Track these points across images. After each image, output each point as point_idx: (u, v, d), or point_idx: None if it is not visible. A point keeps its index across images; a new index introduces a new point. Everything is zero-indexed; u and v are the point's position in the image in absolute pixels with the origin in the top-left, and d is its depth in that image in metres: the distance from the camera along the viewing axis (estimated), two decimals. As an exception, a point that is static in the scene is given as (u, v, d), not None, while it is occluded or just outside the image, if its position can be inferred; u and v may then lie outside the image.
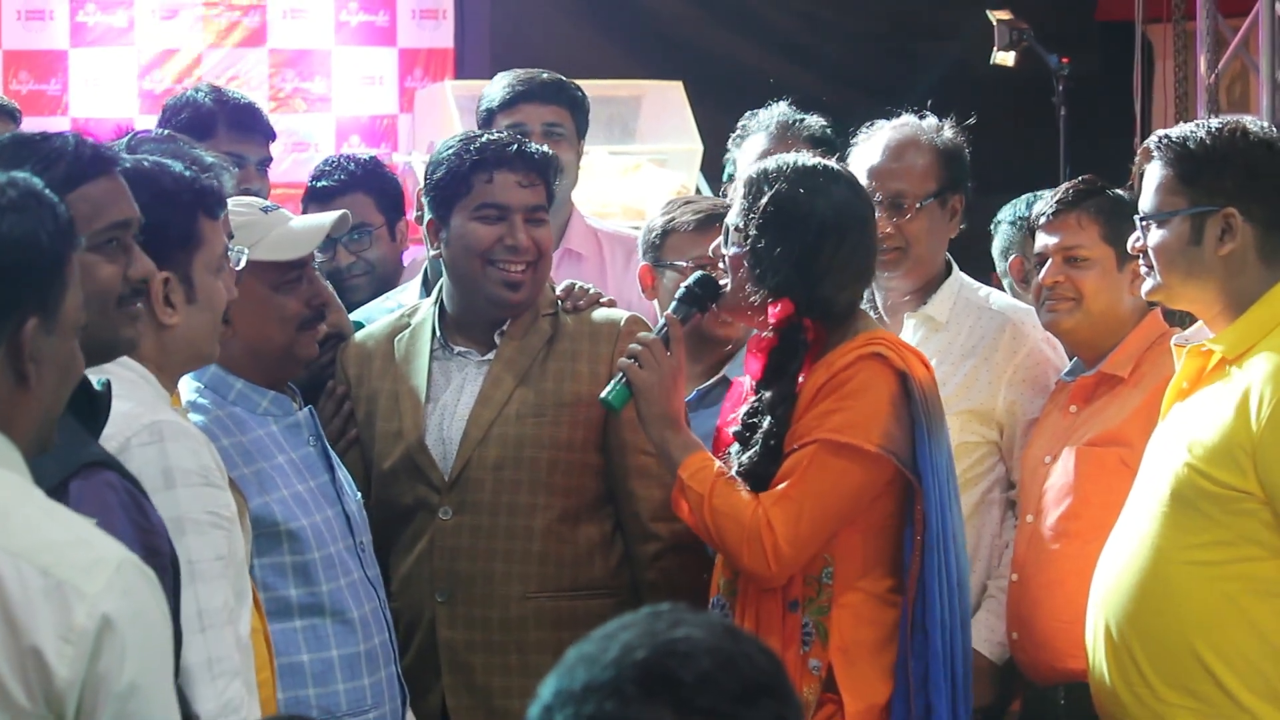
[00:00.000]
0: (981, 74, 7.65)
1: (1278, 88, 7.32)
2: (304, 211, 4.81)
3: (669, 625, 1.72)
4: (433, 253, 4.02)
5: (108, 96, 7.81)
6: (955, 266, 4.35)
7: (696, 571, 3.83)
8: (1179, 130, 3.61)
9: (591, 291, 4.07)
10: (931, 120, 4.34)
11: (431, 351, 3.96)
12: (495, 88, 4.88)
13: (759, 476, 3.59)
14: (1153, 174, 3.60)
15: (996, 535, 4.21)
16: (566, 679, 1.70)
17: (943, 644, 3.59)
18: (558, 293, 4.03)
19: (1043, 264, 4.14)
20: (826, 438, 3.56)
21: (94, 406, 2.70)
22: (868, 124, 4.38)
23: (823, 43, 8.68)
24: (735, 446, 3.67)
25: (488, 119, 4.83)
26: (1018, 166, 6.39)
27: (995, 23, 7.57)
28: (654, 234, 4.30)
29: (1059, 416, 4.11)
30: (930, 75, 8.30)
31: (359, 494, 3.74)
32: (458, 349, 3.97)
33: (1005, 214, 5.23)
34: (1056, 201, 4.15)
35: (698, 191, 6.25)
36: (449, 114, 6.77)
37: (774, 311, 3.62)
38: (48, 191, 2.34)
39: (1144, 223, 3.61)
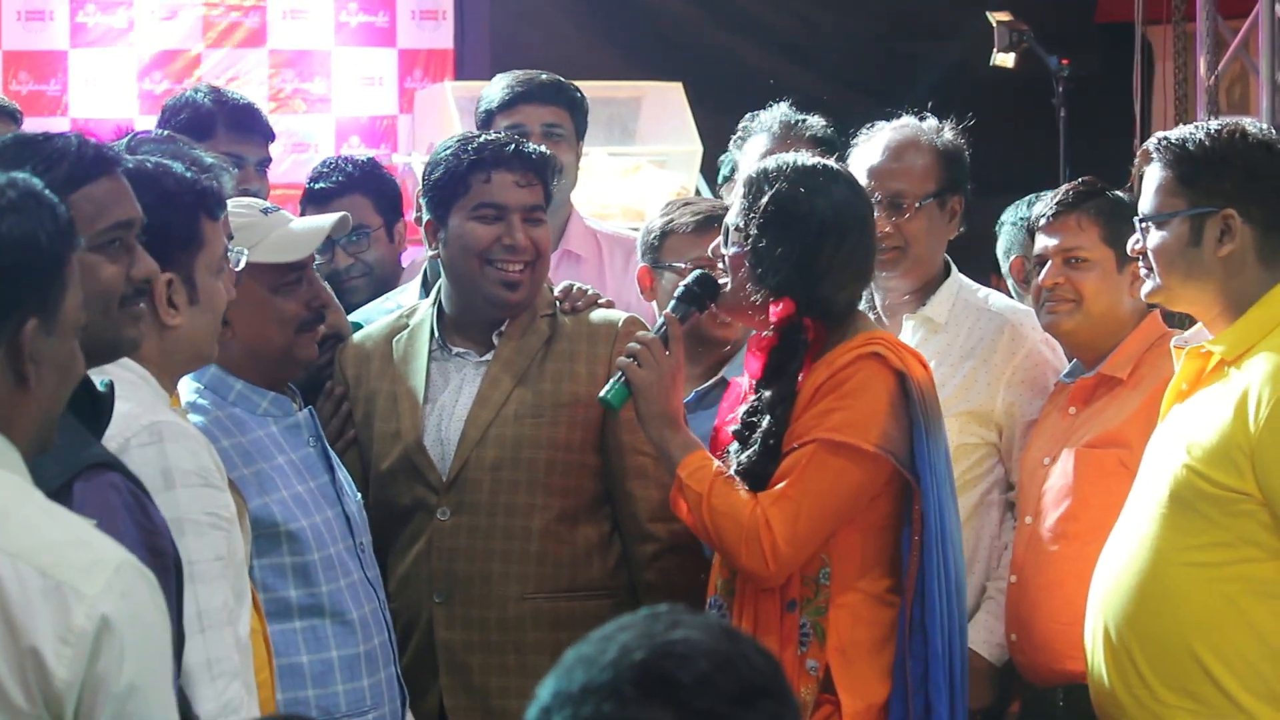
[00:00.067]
0: (981, 75, 7.65)
1: (1277, 89, 7.32)
2: (302, 213, 4.81)
3: (667, 627, 1.72)
4: (431, 253, 4.02)
5: (107, 97, 7.81)
6: (954, 268, 4.35)
7: (694, 572, 3.83)
8: (1178, 132, 3.62)
9: (590, 292, 4.07)
10: (932, 121, 4.34)
11: (430, 352, 3.97)
12: (494, 89, 4.88)
13: (757, 476, 3.60)
14: (1152, 176, 3.61)
15: (995, 537, 4.22)
16: (565, 680, 1.70)
17: (942, 644, 3.59)
18: (556, 293, 4.03)
19: (1042, 265, 4.14)
20: (825, 437, 3.56)
21: (97, 407, 2.70)
22: (868, 125, 4.39)
23: (823, 44, 8.67)
24: (734, 446, 3.67)
25: (487, 120, 4.83)
26: (1017, 168, 6.39)
27: (995, 24, 7.57)
28: (653, 235, 4.31)
29: (1058, 418, 4.11)
30: (930, 76, 8.30)
31: (359, 495, 3.75)
32: (456, 350, 3.97)
33: (1009, 215, 5.23)
34: (1056, 203, 4.15)
35: (697, 193, 6.26)
36: (449, 115, 6.77)
37: (775, 311, 3.62)
38: (47, 192, 2.34)
39: (1143, 224, 3.61)
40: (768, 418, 3.61)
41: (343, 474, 3.70)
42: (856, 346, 3.61)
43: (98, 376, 2.73)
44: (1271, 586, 3.45)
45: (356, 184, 4.94)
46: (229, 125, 4.88)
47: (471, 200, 3.90)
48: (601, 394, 3.72)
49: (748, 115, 4.91)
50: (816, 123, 4.79)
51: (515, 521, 3.85)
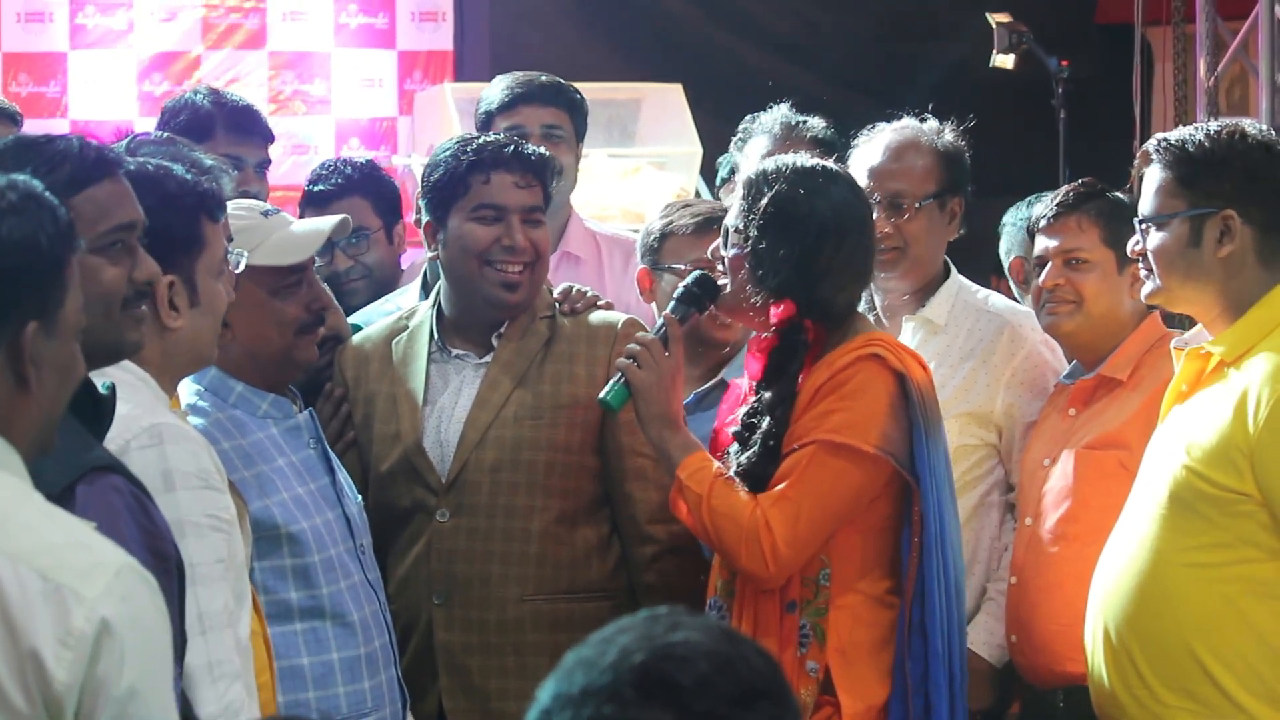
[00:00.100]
0: (981, 76, 7.65)
1: (1277, 90, 7.33)
2: (301, 215, 4.81)
3: (667, 629, 1.72)
4: (430, 255, 4.02)
5: (107, 99, 7.81)
6: (954, 269, 4.36)
7: (694, 574, 3.83)
8: (1178, 133, 3.62)
9: (589, 294, 4.07)
10: (933, 123, 4.35)
11: (429, 354, 3.97)
12: (494, 90, 4.88)
13: (757, 477, 3.60)
14: (1152, 177, 3.61)
15: (995, 538, 4.22)
16: (564, 683, 1.71)
17: (942, 645, 3.59)
18: (555, 295, 4.03)
19: (1042, 267, 4.14)
20: (825, 438, 3.56)
21: (98, 410, 2.70)
22: (869, 126, 4.39)
23: (823, 45, 8.67)
24: (734, 447, 3.67)
25: (486, 121, 4.83)
26: (1017, 169, 6.39)
27: (995, 25, 7.57)
28: (652, 237, 4.31)
29: (1058, 419, 4.11)
30: (930, 77, 8.29)
31: (359, 496, 3.75)
32: (455, 351, 3.97)
33: (1011, 216, 5.23)
34: (1056, 204, 4.15)
35: (697, 194, 6.25)
36: (448, 116, 6.77)
37: (775, 312, 3.62)
38: (47, 194, 2.34)
39: (1143, 225, 3.61)
40: (767, 419, 3.62)
41: (343, 476, 3.70)
42: (856, 348, 3.61)
43: (98, 379, 2.73)
44: (1271, 587, 3.45)
45: (356, 186, 4.94)
46: (228, 127, 4.88)
47: (471, 201, 3.90)
48: (601, 395, 3.72)
49: (748, 117, 4.91)
50: (817, 124, 4.80)
51: (514, 523, 3.85)
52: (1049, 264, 4.12)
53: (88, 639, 2.18)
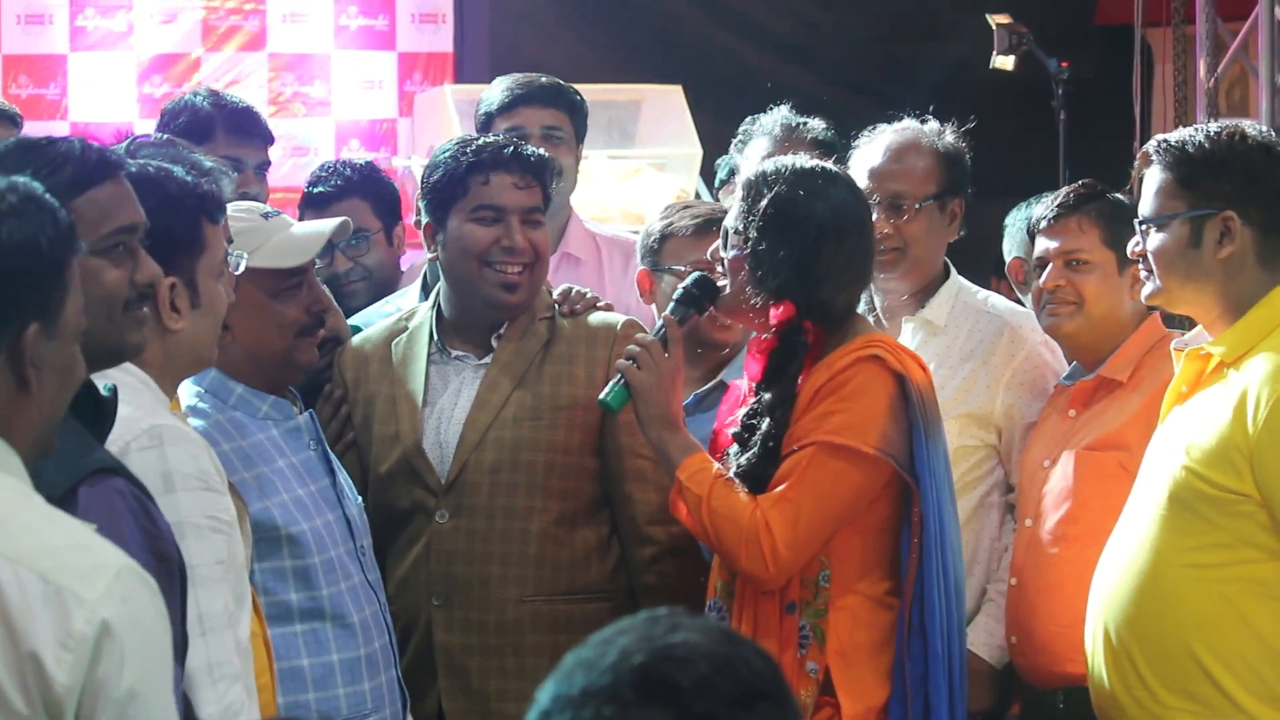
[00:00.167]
0: (981, 78, 7.65)
1: (1277, 91, 7.33)
2: (300, 217, 4.81)
3: (666, 630, 1.72)
4: (430, 256, 4.02)
5: (107, 101, 7.82)
6: (954, 270, 4.36)
7: (693, 575, 3.84)
8: (1178, 134, 3.62)
9: (589, 295, 4.07)
10: (933, 124, 4.35)
11: (429, 355, 3.97)
12: (494, 91, 4.88)
13: (757, 478, 3.60)
14: (1152, 178, 3.61)
15: (995, 539, 4.22)
16: (564, 684, 1.71)
17: (942, 646, 3.59)
18: (555, 296, 4.03)
19: (1043, 268, 4.14)
20: (824, 439, 3.56)
21: (100, 412, 2.70)
22: (869, 127, 4.39)
23: (822, 46, 8.67)
24: (734, 448, 3.67)
25: (486, 123, 4.83)
26: (1017, 170, 6.39)
27: (995, 26, 7.57)
28: (652, 238, 4.31)
29: (1058, 420, 4.11)
30: (930, 78, 8.29)
31: (359, 498, 3.75)
32: (455, 352, 3.97)
33: (1013, 218, 5.23)
34: (1057, 206, 4.15)
35: (697, 196, 6.25)
36: (448, 118, 6.77)
37: (775, 313, 3.62)
38: (48, 196, 2.34)
39: (1143, 227, 3.62)
40: (767, 420, 3.62)
41: (343, 477, 3.70)
42: (856, 349, 3.61)
43: (99, 380, 2.73)
44: (1271, 587, 3.45)
45: (355, 188, 4.95)
46: (228, 129, 4.88)
47: (470, 202, 3.90)
48: (601, 396, 3.72)
49: (748, 118, 4.91)
50: (817, 125, 4.80)
51: (514, 524, 3.85)
52: (1049, 265, 4.12)
53: (88, 641, 2.18)
